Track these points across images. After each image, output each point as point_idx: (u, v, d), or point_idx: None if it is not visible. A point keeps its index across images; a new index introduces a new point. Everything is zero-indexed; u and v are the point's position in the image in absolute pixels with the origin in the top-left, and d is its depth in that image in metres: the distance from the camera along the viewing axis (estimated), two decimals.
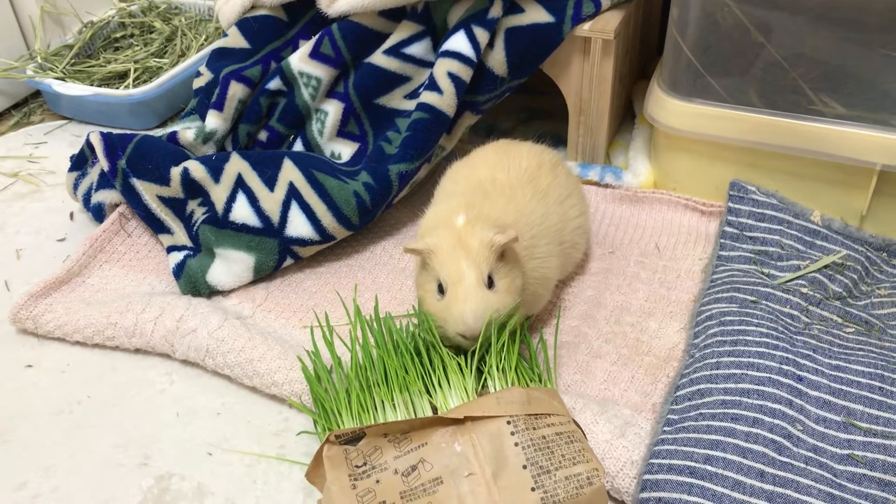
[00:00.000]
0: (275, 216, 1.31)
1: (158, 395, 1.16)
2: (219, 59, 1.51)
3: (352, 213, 1.31)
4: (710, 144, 1.37)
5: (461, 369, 0.99)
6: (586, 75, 1.42)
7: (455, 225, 1.09)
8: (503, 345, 1.02)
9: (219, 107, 1.45)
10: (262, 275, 1.32)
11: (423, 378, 1.00)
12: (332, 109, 1.47)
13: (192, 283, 1.29)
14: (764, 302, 1.18)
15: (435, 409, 0.97)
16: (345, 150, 1.48)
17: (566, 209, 1.23)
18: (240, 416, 1.13)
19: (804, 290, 1.21)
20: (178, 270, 1.30)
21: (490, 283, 1.04)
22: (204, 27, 1.99)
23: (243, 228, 1.30)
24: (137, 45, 1.95)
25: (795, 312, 1.17)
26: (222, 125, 1.46)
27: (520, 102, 1.76)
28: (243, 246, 1.30)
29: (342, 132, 1.48)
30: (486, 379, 1.00)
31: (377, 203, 1.34)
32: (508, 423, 0.92)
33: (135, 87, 1.77)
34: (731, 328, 1.13)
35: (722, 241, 1.32)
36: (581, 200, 1.29)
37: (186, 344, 1.18)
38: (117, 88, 1.76)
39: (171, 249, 1.35)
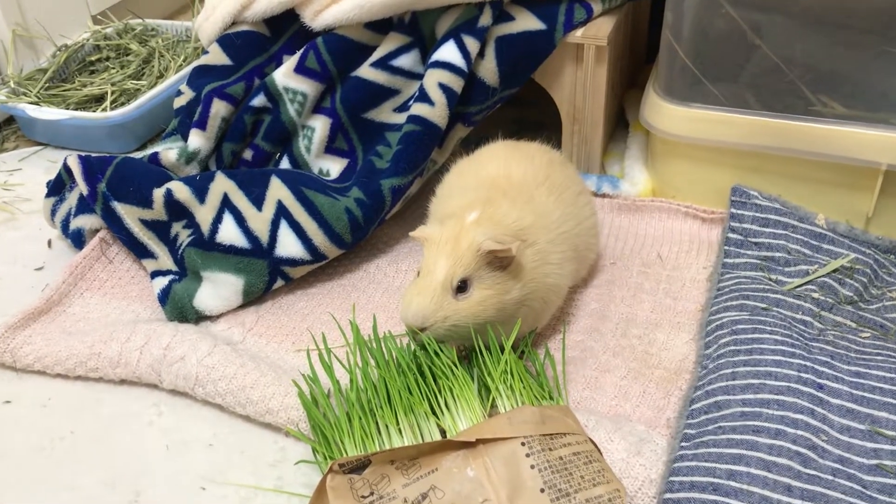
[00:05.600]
0: (263, 236, 1.25)
1: (146, 428, 1.10)
2: (200, 76, 1.46)
3: (344, 230, 1.26)
4: (709, 149, 1.33)
5: (468, 388, 0.94)
6: (579, 83, 1.39)
7: (464, 219, 1.05)
8: (506, 361, 0.97)
9: (201, 125, 1.39)
10: (252, 298, 1.27)
11: (428, 399, 0.95)
12: (319, 125, 1.42)
13: (179, 308, 1.23)
14: (775, 309, 1.14)
15: (443, 433, 0.92)
16: (333, 167, 1.43)
17: (580, 208, 1.19)
18: (233, 446, 1.07)
19: (815, 296, 1.17)
20: (164, 296, 1.25)
21: (462, 289, 1.00)
22: (182, 48, 1.94)
23: (231, 250, 1.25)
24: (114, 68, 1.89)
25: (808, 318, 1.13)
26: (206, 144, 1.41)
27: (509, 114, 1.72)
28: (231, 268, 1.24)
29: (330, 148, 1.43)
30: (493, 398, 0.94)
31: (370, 219, 1.29)
32: (523, 444, 0.87)
33: (112, 109, 1.71)
34: (744, 337, 1.09)
35: (726, 248, 1.29)
36: (591, 198, 1.25)
37: (174, 373, 1.13)
38: (94, 112, 1.70)
39: (155, 274, 1.30)
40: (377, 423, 0.94)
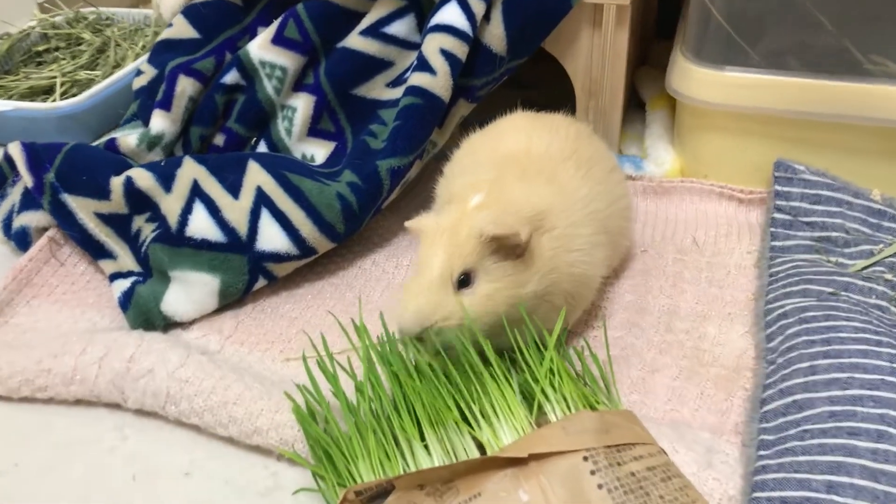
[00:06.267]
0: (242, 227, 1.07)
1: (108, 456, 0.91)
2: (163, 52, 1.28)
3: (336, 219, 1.09)
4: (746, 119, 1.18)
5: (509, 391, 0.76)
6: (597, 50, 1.23)
7: (465, 204, 0.88)
8: (551, 358, 0.80)
9: (165, 105, 1.21)
10: (230, 300, 1.08)
11: (459, 407, 0.77)
12: (302, 104, 1.24)
13: (144, 314, 1.04)
14: (844, 293, 0.98)
15: (482, 448, 0.74)
16: (318, 152, 1.25)
17: (611, 186, 1.03)
18: (215, 475, 0.88)
19: (887, 277, 1.01)
20: (126, 300, 1.06)
21: (465, 283, 0.83)
22: (141, 36, 1.76)
23: (204, 245, 1.06)
24: (64, 59, 1.70)
25: (883, 303, 0.98)
26: (170, 127, 1.22)
27: (507, 98, 1.55)
28: (205, 266, 1.06)
29: (314, 130, 1.25)
30: (537, 402, 0.77)
31: (365, 206, 1.11)
32: (586, 458, 0.69)
33: (63, 100, 1.52)
34: (815, 325, 0.93)
35: (773, 229, 1.13)
36: (623, 177, 1.09)
37: (141, 389, 0.94)
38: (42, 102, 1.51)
39: (114, 277, 1.11)
40: (397, 438, 0.75)
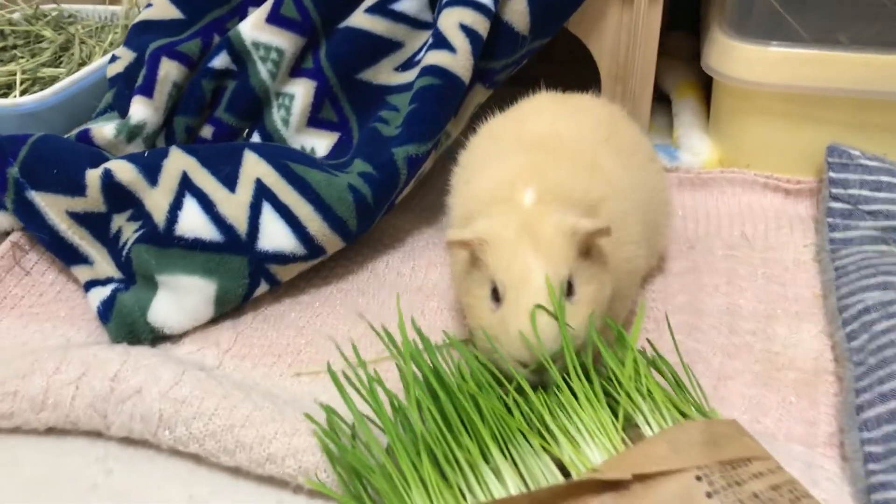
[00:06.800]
0: (241, 224, 0.93)
1: (89, 495, 0.76)
2: (142, 33, 1.14)
3: (348, 213, 0.95)
4: (793, 100, 1.08)
5: (593, 399, 0.63)
6: (625, 29, 1.12)
7: (520, 202, 0.75)
8: (634, 360, 0.67)
9: (147, 91, 1.07)
10: (228, 308, 0.94)
11: (527, 419, 0.64)
12: (301, 91, 1.11)
13: (128, 325, 0.89)
14: None
15: (563, 469, 0.61)
16: (320, 144, 1.12)
17: (652, 176, 0.92)
18: None
19: None
20: (106, 311, 0.91)
21: (569, 290, 0.70)
22: (109, 33, 1.61)
23: (197, 244, 0.92)
24: (23, 57, 1.54)
25: None
26: (153, 116, 1.08)
27: (511, 95, 1.44)
28: (198, 268, 0.91)
29: (315, 120, 1.12)
30: (622, 413, 0.64)
31: (381, 199, 0.98)
32: (699, 478, 0.56)
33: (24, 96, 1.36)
34: None
35: (830, 220, 1.02)
36: (662, 166, 0.98)
37: (128, 412, 0.79)
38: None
39: (90, 285, 0.96)
40: (457, 461, 0.62)
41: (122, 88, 1.12)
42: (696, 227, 1.08)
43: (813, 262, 1.01)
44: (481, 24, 1.02)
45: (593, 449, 0.60)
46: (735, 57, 1.07)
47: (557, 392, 0.65)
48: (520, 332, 0.68)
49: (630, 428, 0.64)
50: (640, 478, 0.56)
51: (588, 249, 0.75)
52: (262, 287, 0.95)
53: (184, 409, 0.79)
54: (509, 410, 0.64)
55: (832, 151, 1.06)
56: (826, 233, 1.01)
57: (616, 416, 0.63)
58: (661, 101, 1.34)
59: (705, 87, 1.29)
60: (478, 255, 0.75)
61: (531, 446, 0.61)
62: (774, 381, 0.84)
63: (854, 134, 1.07)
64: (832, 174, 1.05)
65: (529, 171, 0.80)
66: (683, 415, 0.65)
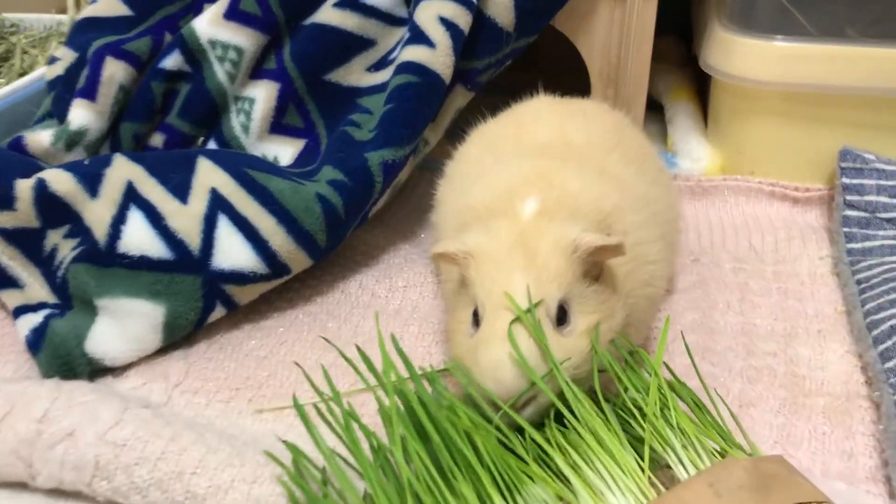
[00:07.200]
0: (193, 240, 0.82)
1: None
2: (85, 31, 1.03)
3: (316, 226, 0.84)
4: (801, 99, 1.00)
5: (611, 434, 0.53)
6: (617, 27, 1.03)
7: (519, 214, 0.65)
8: (658, 387, 0.57)
9: (89, 94, 0.96)
10: (178, 336, 0.83)
11: (536, 458, 0.53)
12: (262, 94, 1.01)
13: (62, 356, 0.78)
14: None
15: None
16: (284, 152, 1.01)
17: (665, 188, 0.83)
18: None
19: None
20: (37, 339, 0.79)
21: (562, 317, 0.60)
22: (52, 42, 1.50)
23: (142, 263, 0.81)
24: None
25: None
26: (96, 121, 0.97)
27: (493, 104, 1.34)
28: (144, 290, 0.80)
29: (278, 126, 1.02)
30: (647, 450, 0.53)
31: (353, 209, 0.87)
32: None
33: None
34: None
35: (846, 230, 0.94)
36: (671, 177, 0.89)
37: (58, 459, 0.68)
38: None
39: (20, 311, 0.84)
40: None
41: (62, 92, 1.01)
42: (699, 239, 0.99)
43: (831, 276, 0.92)
44: (462, 18, 0.93)
45: (618, 496, 0.49)
46: (737, 53, 0.99)
47: (567, 429, 0.55)
48: (492, 360, 0.57)
49: (657, 469, 0.53)
50: None
51: (596, 271, 0.65)
52: (218, 311, 0.84)
53: (124, 454, 0.67)
54: (512, 452, 0.53)
55: (844, 155, 0.98)
56: (843, 244, 0.93)
57: (640, 455, 0.53)
58: (651, 108, 1.25)
59: (698, 92, 1.21)
60: (464, 272, 0.65)
61: (542, 496, 0.50)
62: (803, 408, 0.74)
63: (868, 136, 0.99)
64: (846, 180, 0.97)
65: (533, 179, 0.71)
66: (720, 453, 0.54)
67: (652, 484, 0.50)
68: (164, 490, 0.66)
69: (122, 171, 0.85)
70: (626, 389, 0.56)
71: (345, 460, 0.60)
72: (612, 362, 0.58)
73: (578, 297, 0.62)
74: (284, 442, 0.63)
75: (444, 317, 0.87)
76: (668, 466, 0.52)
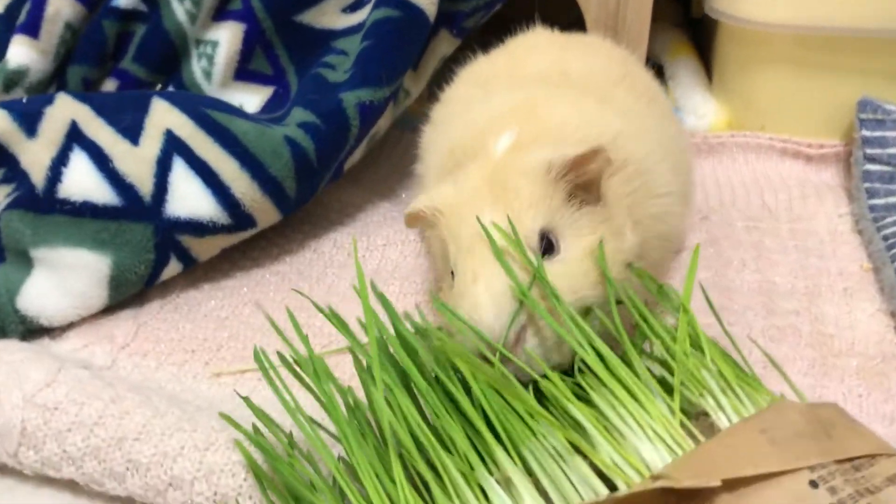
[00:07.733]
0: (144, 184, 0.72)
1: None
2: None
3: (284, 171, 0.75)
4: (815, 45, 0.93)
5: (632, 378, 0.44)
6: None
7: (492, 152, 0.57)
8: (687, 324, 0.48)
9: (30, 30, 0.87)
10: (127, 293, 0.73)
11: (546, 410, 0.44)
12: (226, 37, 0.92)
13: None
14: None
15: (607, 480, 0.41)
16: (250, 101, 0.92)
17: (676, 130, 0.75)
18: None
19: None
20: None
21: (549, 246, 0.51)
22: None
23: (86, 209, 0.71)
24: None
25: None
26: (38, 61, 0.87)
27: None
28: (87, 240, 0.70)
29: (244, 72, 0.93)
30: (678, 396, 0.44)
31: (327, 156, 0.78)
32: (814, 483, 0.38)
33: None
34: None
35: (868, 185, 0.86)
36: (682, 123, 0.80)
37: None
38: None
39: None
40: (447, 473, 0.42)
41: (2, 30, 0.90)
42: (708, 197, 0.91)
43: (852, 233, 0.84)
44: None
45: (648, 446, 0.40)
46: None
47: (583, 372, 0.46)
48: (474, 299, 0.49)
49: (690, 419, 0.44)
50: (731, 484, 0.36)
51: (593, 197, 0.56)
52: (173, 266, 0.74)
53: (55, 418, 0.58)
54: (511, 407, 0.44)
55: (864, 106, 0.90)
56: (864, 200, 0.85)
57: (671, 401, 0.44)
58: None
59: (697, 49, 1.13)
60: (439, 233, 0.57)
61: (554, 447, 0.41)
62: (834, 369, 0.66)
63: (889, 85, 0.91)
64: (866, 133, 0.89)
65: (514, 112, 0.62)
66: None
67: (687, 432, 0.41)
68: (101, 459, 0.56)
69: (65, 109, 0.76)
70: (647, 324, 0.47)
71: (318, 423, 0.51)
72: (630, 291, 0.49)
73: (569, 222, 0.54)
74: (244, 398, 0.54)
75: (428, 275, 0.78)
76: (705, 414, 0.43)
